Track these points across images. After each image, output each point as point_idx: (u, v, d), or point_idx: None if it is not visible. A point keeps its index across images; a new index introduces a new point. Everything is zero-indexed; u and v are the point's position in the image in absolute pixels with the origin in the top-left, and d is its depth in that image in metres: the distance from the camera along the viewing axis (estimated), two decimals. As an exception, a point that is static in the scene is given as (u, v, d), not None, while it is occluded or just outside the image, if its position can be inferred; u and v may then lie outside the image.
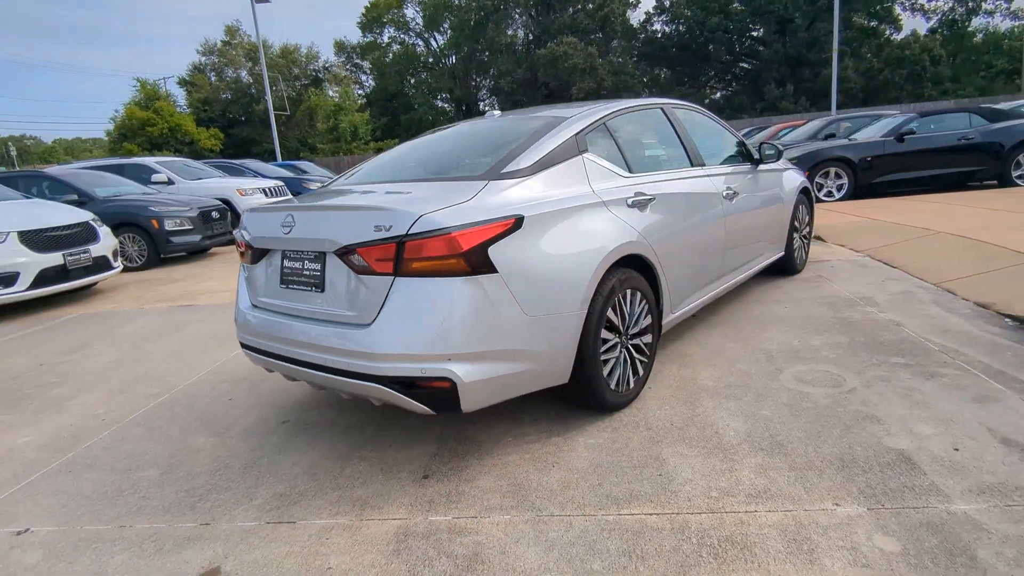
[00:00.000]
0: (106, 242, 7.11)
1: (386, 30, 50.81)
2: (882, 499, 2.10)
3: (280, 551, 2.12)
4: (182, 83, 51.62)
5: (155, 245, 8.75)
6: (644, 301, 3.00)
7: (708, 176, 3.73)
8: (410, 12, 50.00)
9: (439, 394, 2.29)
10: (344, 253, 2.38)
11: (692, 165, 3.69)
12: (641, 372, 3.04)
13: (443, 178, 2.77)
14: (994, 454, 2.31)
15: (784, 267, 5.04)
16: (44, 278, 6.29)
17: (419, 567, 1.97)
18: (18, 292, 6.09)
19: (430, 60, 51.21)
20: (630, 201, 2.97)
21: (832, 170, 9.11)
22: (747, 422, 2.72)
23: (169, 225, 8.72)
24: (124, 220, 8.61)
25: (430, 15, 48.15)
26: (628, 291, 2.87)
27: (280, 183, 12.43)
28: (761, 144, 4.45)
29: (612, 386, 2.84)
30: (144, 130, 42.02)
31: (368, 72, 51.70)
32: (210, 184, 11.29)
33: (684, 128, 3.78)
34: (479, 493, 2.37)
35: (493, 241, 2.32)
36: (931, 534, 1.91)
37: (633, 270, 2.93)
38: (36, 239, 6.29)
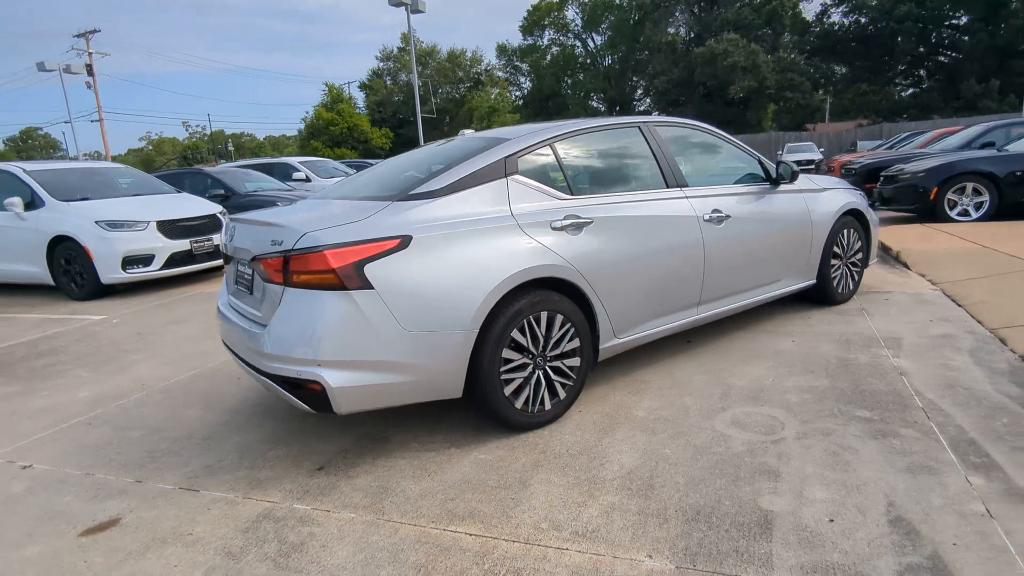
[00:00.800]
0: (228, 232, 8.28)
1: (546, 32, 51.89)
2: (698, 559, 1.98)
3: (170, 513, 2.50)
4: (362, 87, 56.93)
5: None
6: (569, 324, 3.00)
7: (685, 198, 3.55)
8: (570, 14, 50.57)
9: (314, 395, 2.54)
10: (254, 261, 2.72)
11: (667, 186, 3.55)
12: (562, 395, 3.04)
13: (365, 197, 3.00)
14: (868, 532, 2.04)
15: (820, 297, 4.58)
16: (173, 260, 7.53)
17: (251, 545, 2.24)
18: (152, 271, 7.36)
19: (587, 61, 51.42)
20: (557, 224, 2.97)
21: (969, 185, 7.87)
22: (640, 459, 2.63)
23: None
24: (256, 213, 9.92)
25: (589, 15, 48.33)
26: (544, 313, 2.89)
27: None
28: (779, 163, 4.09)
29: (519, 406, 2.88)
30: (328, 129, 46.91)
31: (526, 74, 53.16)
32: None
33: (664, 147, 3.63)
34: (349, 490, 2.58)
35: (371, 260, 2.51)
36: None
37: (556, 292, 2.94)
38: (170, 227, 7.55)
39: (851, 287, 4.74)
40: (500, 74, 52.74)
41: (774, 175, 4.07)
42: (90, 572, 2.15)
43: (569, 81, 50.88)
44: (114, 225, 7.28)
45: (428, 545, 2.17)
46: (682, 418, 2.99)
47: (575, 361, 3.07)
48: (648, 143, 3.59)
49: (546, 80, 50.09)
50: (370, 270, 2.51)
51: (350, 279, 2.47)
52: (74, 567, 2.19)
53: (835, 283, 4.58)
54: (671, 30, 44.99)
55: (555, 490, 2.45)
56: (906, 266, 5.82)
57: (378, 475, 2.68)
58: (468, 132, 3.89)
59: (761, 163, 4.11)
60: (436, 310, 2.61)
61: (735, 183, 3.96)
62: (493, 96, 46.43)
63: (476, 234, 2.76)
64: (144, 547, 2.28)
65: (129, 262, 7.25)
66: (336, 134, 46.53)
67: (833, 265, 4.54)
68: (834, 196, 4.48)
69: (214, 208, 8.36)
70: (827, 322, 4.28)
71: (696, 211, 3.56)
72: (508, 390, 2.84)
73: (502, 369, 2.80)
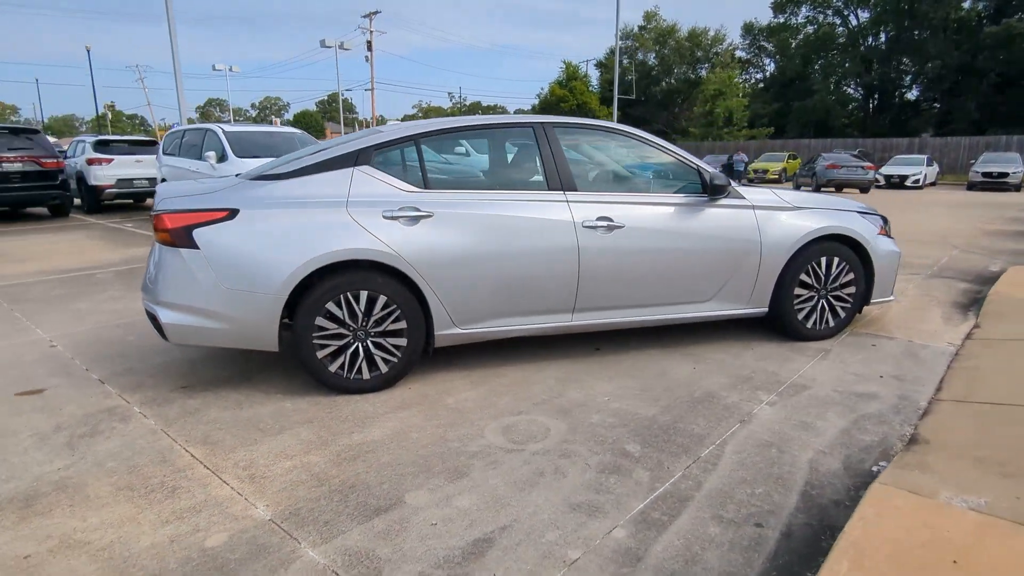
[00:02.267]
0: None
1: (802, 8, 46.87)
2: (331, 522, 2.24)
3: (78, 393, 3.41)
4: (598, 65, 57.62)
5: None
6: (395, 307, 3.26)
7: (564, 203, 3.48)
8: (834, -15, 44.90)
9: (157, 326, 3.23)
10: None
11: (549, 189, 3.51)
12: (384, 369, 3.33)
13: (240, 176, 3.54)
14: (446, 543, 2.09)
15: (780, 328, 4.03)
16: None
17: (72, 426, 3.01)
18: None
19: (845, 41, 45.43)
20: (388, 214, 3.23)
21: None
22: (388, 436, 2.85)
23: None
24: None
25: (856, -14, 42.49)
26: (363, 292, 3.21)
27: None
28: (711, 175, 3.67)
29: (333, 369, 3.26)
30: (558, 106, 48.64)
31: (772, 55, 48.85)
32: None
33: (557, 151, 3.55)
34: (170, 405, 3.23)
35: (199, 226, 3.08)
36: None
37: (381, 275, 3.23)
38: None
39: (830, 324, 4.07)
40: (741, 54, 49.19)
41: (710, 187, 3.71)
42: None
43: (819, 64, 45.54)
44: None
45: (166, 452, 2.72)
46: (465, 416, 3.08)
47: (400, 341, 3.33)
48: (539, 145, 3.57)
49: (793, 62, 45.50)
50: (198, 234, 3.08)
51: (180, 239, 3.08)
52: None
53: (800, 316, 3.99)
54: (965, 4, 37.47)
55: (288, 441, 2.82)
56: (975, 309, 4.68)
57: (202, 401, 3.29)
58: (392, 123, 4.20)
59: (701, 174, 3.75)
60: (250, 273, 3.09)
61: (655, 192, 3.72)
62: (735, 78, 43.54)
63: (301, 214, 3.16)
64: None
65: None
66: (565, 111, 48.11)
67: (799, 296, 3.96)
68: (804, 217, 3.88)
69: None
70: (759, 356, 3.80)
71: (574, 216, 3.48)
72: (321, 354, 3.23)
73: (315, 335, 3.20)
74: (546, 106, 49.60)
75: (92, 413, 3.14)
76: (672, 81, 53.09)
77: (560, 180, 3.55)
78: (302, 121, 79.11)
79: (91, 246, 8.74)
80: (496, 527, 2.16)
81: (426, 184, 3.38)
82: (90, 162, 13.19)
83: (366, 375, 3.32)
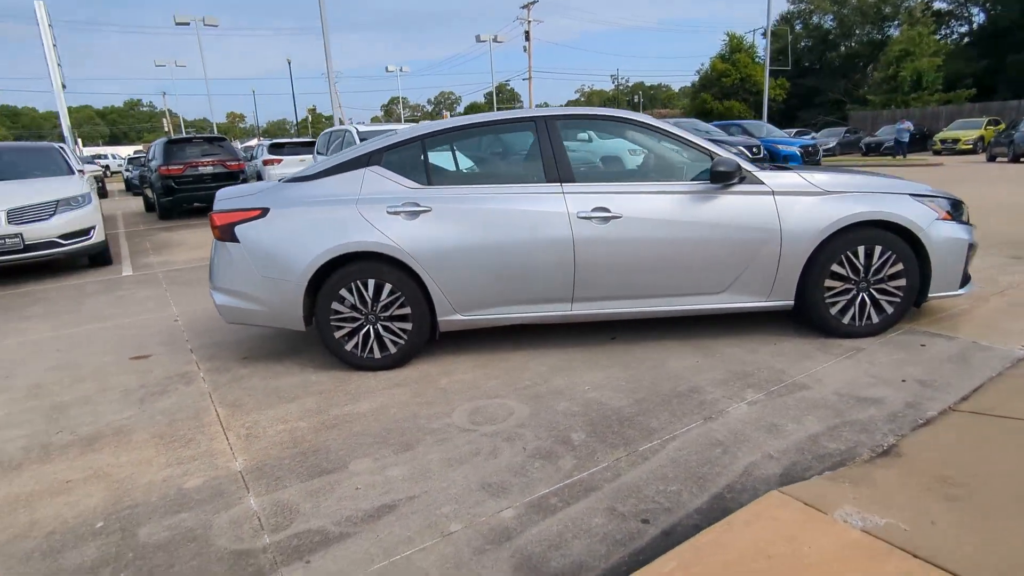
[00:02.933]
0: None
1: (1026, -58, 39.21)
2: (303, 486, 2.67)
3: (176, 359, 4.23)
4: (766, 35, 53.27)
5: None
6: (399, 294, 3.60)
7: (560, 194, 3.53)
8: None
9: (216, 308, 3.88)
10: (217, 215, 4.13)
11: (547, 181, 3.59)
12: (392, 350, 3.69)
13: (283, 178, 4.04)
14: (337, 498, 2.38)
15: (816, 324, 3.70)
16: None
17: (147, 386, 3.76)
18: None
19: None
20: (391, 209, 3.55)
21: None
22: (371, 408, 3.21)
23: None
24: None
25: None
26: (371, 280, 3.59)
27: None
28: (718, 160, 3.45)
29: (348, 348, 3.69)
30: (720, 81, 45.91)
31: (980, 4, 41.59)
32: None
33: (557, 143, 3.60)
34: (227, 375, 3.87)
35: (239, 223, 3.65)
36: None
37: (387, 265, 3.58)
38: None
39: (873, 319, 3.65)
40: (942, 5, 42.49)
41: (731, 173, 3.51)
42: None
43: (1049, 8, 37.84)
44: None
45: (202, 411, 3.33)
46: (447, 396, 3.32)
47: (406, 325, 3.66)
48: (539, 139, 3.65)
49: (1010, 8, 38.33)
50: (239, 230, 3.65)
51: (226, 234, 3.68)
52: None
53: (834, 310, 3.64)
54: None
55: (293, 408, 3.28)
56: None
57: (251, 370, 3.89)
58: (400, 126, 4.47)
59: (721, 157, 3.58)
60: (278, 263, 3.61)
61: (660, 180, 3.62)
62: (928, 33, 37.86)
63: (319, 211, 3.61)
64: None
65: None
66: (727, 86, 45.24)
67: (831, 288, 3.61)
68: (836, 202, 3.52)
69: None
70: (777, 352, 3.55)
71: (569, 208, 3.53)
72: (338, 334, 3.68)
73: (332, 318, 3.65)
74: (706, 82, 46.94)
75: (170, 376, 3.89)
76: (852, 44, 47.47)
77: (558, 172, 3.62)
78: (470, 113, 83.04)
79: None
80: (405, 496, 2.41)
81: (429, 181, 3.66)
82: (265, 163, 15.34)
83: (377, 354, 3.71)
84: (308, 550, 2.13)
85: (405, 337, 3.69)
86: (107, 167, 36.06)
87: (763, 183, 3.57)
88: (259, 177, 15.45)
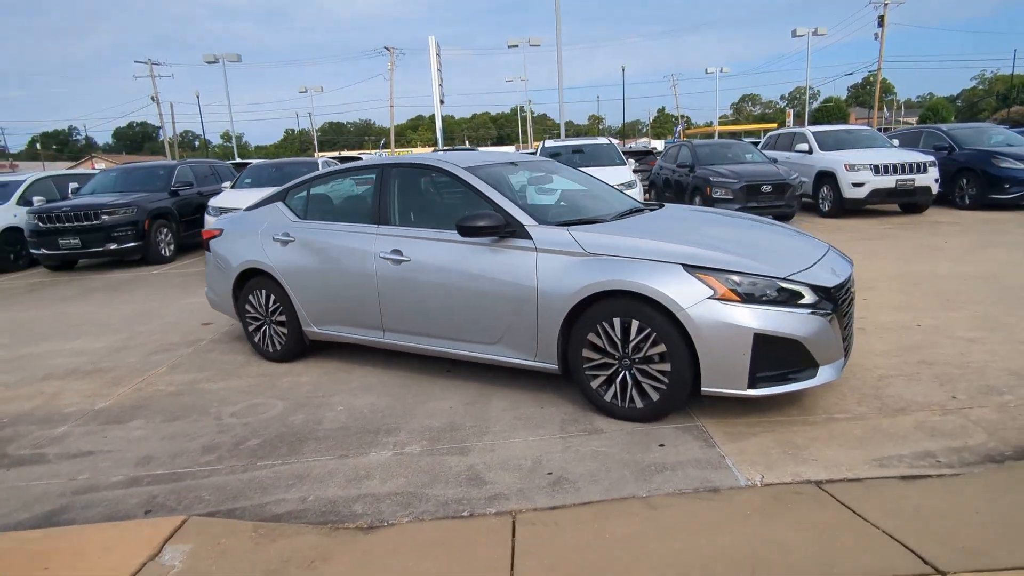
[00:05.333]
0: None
1: None
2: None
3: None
4: None
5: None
6: (279, 304, 4.56)
7: (374, 235, 3.96)
8: None
9: (213, 298, 5.39)
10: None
11: (372, 222, 4.04)
12: (279, 346, 4.66)
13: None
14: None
15: (583, 392, 3.32)
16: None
17: (180, 348, 5.48)
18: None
19: None
20: (275, 236, 4.49)
21: None
22: (242, 399, 4.26)
23: (716, 192, 10.44)
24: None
25: None
26: (263, 290, 4.62)
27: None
28: (476, 214, 3.37)
29: (256, 340, 4.80)
30: None
31: None
32: (845, 155, 11.20)
33: (388, 189, 4.01)
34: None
35: (212, 239, 5.05)
36: None
37: (270, 280, 4.56)
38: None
39: (636, 403, 3.12)
40: None
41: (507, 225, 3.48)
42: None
43: None
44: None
45: (195, 364, 4.85)
46: (257, 390, 4.13)
47: (284, 330, 4.59)
48: (378, 184, 4.12)
49: None
50: (212, 244, 5.06)
51: (206, 246, 5.12)
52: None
53: (595, 384, 3.24)
54: None
55: (231, 382, 4.52)
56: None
57: (247, 350, 5.29)
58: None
59: (501, 210, 3.54)
60: (221, 270, 4.90)
61: (446, 229, 3.72)
62: None
63: (243, 235, 4.76)
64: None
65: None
66: None
67: (590, 360, 3.22)
68: (588, 268, 3.13)
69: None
70: (525, 417, 3.34)
71: (376, 248, 3.95)
72: (250, 328, 4.81)
73: (246, 316, 4.80)
74: None
75: (174, 343, 5.55)
76: None
77: (379, 215, 4.06)
78: (823, 109, 75.09)
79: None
80: (111, 448, 3.40)
81: (304, 216, 4.48)
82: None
83: (269, 349, 4.72)
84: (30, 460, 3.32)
85: (285, 340, 4.61)
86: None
87: (531, 239, 3.41)
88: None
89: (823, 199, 11.11)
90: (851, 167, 10.47)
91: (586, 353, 3.27)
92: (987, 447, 2.78)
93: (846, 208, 10.75)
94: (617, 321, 3.13)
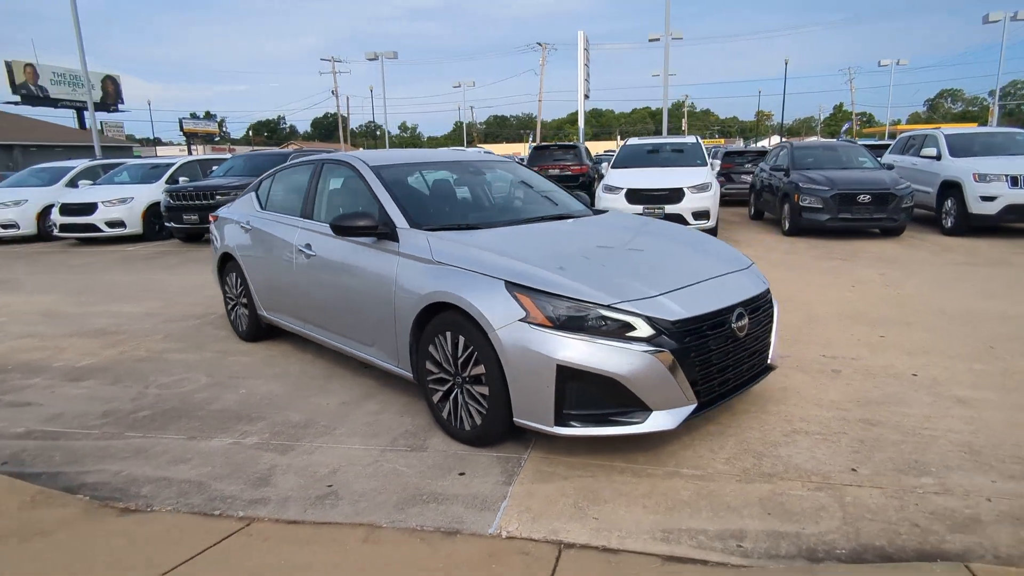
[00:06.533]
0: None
1: None
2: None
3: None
4: None
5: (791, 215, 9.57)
6: (241, 286, 4.87)
7: (296, 228, 4.06)
8: None
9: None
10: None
11: (301, 216, 4.14)
12: (243, 327, 4.98)
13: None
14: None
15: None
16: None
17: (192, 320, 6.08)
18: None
19: None
20: (242, 224, 4.79)
21: None
22: (204, 378, 4.67)
23: (804, 201, 9.31)
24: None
25: None
26: (233, 274, 4.96)
27: None
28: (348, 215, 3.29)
29: (231, 318, 5.17)
30: None
31: None
32: (976, 162, 9.35)
33: (318, 184, 4.08)
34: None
35: (214, 221, 5.49)
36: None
37: (237, 265, 4.88)
38: (635, 195, 9.62)
39: (464, 426, 2.88)
40: None
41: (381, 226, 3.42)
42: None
43: None
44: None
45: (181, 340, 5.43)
46: (201, 365, 4.43)
47: (246, 312, 4.89)
48: (311, 179, 4.21)
49: None
50: (211, 227, 5.51)
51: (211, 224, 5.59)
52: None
53: (435, 398, 3.04)
54: None
55: (181, 357, 5.00)
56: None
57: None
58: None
59: (383, 211, 3.46)
60: (216, 249, 5.32)
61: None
62: None
63: (228, 221, 5.12)
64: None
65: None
66: None
67: (431, 373, 3.03)
68: (429, 276, 2.94)
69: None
70: (375, 426, 3.23)
71: (296, 240, 4.05)
72: (227, 307, 5.19)
73: (225, 295, 5.19)
74: None
75: (210, 313, 6.11)
76: None
77: (305, 208, 4.15)
78: None
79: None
80: (39, 400, 3.87)
81: (263, 207, 4.72)
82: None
83: (239, 329, 5.06)
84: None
85: (247, 320, 4.91)
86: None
87: (397, 241, 3.29)
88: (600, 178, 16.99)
89: (946, 214, 9.34)
90: (981, 177, 8.69)
91: (428, 365, 3.11)
92: (823, 539, 2.21)
93: (973, 225, 8.91)
94: (448, 335, 2.93)
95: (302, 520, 2.44)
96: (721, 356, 2.79)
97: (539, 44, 44.28)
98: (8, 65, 32.74)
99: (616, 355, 2.52)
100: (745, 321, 2.87)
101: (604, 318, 2.58)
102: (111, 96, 38.94)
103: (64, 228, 12.29)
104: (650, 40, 27.86)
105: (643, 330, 2.57)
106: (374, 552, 2.20)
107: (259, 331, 4.88)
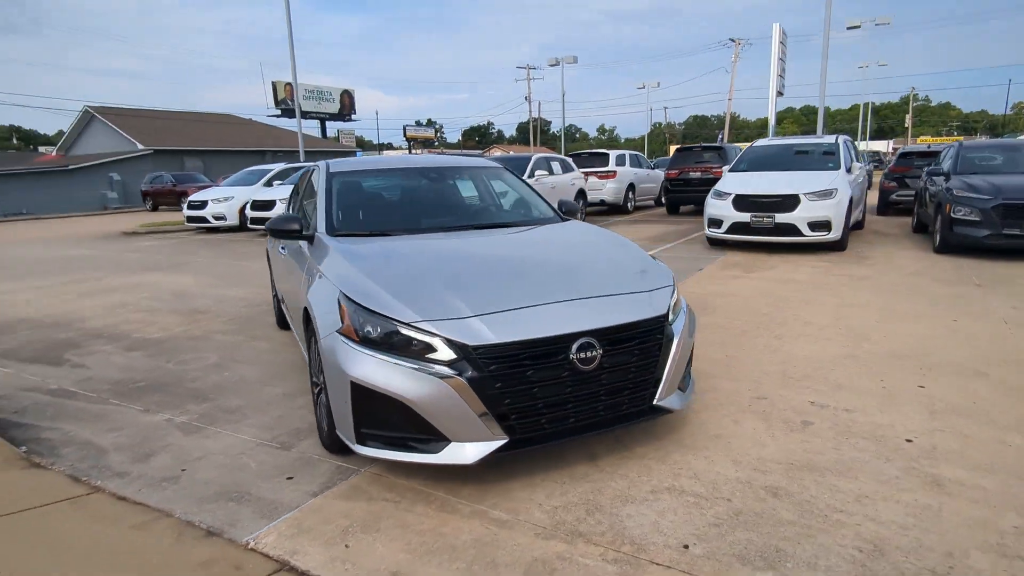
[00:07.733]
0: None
1: None
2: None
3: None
4: None
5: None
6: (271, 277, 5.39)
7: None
8: None
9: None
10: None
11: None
12: (276, 314, 5.50)
13: None
14: (91, 360, 4.82)
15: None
16: (737, 226, 8.67)
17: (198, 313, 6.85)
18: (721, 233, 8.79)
19: None
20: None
21: None
22: (216, 359, 5.32)
23: (957, 213, 7.67)
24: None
25: None
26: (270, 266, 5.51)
27: None
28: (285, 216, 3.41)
29: (276, 309, 5.74)
30: None
31: None
32: None
33: (305, 189, 4.37)
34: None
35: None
36: None
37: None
38: (742, 202, 8.69)
39: (325, 433, 2.87)
40: None
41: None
42: (284, 292, 7.39)
43: None
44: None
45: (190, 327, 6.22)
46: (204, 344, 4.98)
47: (275, 302, 5.39)
48: (301, 184, 4.50)
49: None
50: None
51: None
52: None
53: (317, 401, 3.08)
54: None
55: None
56: None
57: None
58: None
59: (315, 215, 3.61)
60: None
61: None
62: None
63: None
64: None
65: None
66: None
67: (312, 378, 3.07)
68: (315, 278, 3.01)
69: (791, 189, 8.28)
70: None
71: (281, 239, 4.37)
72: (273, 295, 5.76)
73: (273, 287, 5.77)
74: None
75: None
76: None
77: (296, 207, 4.46)
78: None
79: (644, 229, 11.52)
80: (84, 362, 4.67)
81: (288, 208, 5.14)
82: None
83: (277, 317, 5.59)
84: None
85: (277, 310, 5.41)
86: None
87: (313, 246, 3.41)
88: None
89: None
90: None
91: (312, 369, 3.18)
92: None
93: None
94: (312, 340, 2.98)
95: (129, 498, 2.67)
96: (553, 390, 2.45)
97: (732, 40, 41.35)
98: (274, 85, 39.52)
99: (409, 378, 2.36)
100: (594, 353, 2.48)
101: (404, 336, 2.43)
102: (347, 108, 44.57)
103: (253, 221, 14.48)
104: (848, 28, 24.71)
105: (443, 353, 2.37)
106: (133, 539, 2.33)
107: (284, 319, 5.34)
